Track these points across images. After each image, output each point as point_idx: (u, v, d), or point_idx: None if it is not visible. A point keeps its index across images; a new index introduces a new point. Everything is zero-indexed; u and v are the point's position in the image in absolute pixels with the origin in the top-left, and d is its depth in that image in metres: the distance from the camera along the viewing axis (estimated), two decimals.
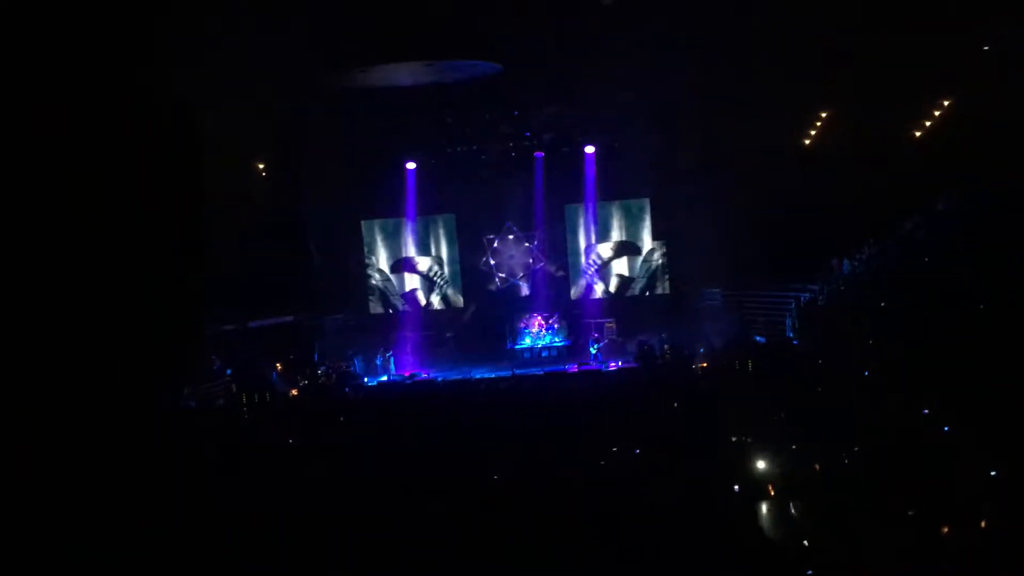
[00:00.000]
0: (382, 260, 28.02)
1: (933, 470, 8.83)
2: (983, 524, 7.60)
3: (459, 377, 22.97)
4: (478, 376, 22.55)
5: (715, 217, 22.37)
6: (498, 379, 21.55)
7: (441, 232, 27.89)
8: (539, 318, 26.23)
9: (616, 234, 27.30)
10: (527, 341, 26.10)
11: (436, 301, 28.06)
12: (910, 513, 7.86)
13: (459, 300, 27.98)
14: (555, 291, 27.39)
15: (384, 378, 24.16)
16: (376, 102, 21.89)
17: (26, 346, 2.03)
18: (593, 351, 24.16)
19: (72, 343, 2.09)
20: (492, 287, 27.81)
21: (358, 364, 24.57)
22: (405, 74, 20.34)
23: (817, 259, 23.28)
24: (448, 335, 26.87)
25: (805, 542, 8.02)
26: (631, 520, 7.81)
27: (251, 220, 23.53)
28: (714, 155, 23.28)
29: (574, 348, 25.44)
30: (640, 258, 27.21)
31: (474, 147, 26.32)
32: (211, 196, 2.52)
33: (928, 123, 23.80)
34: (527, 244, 27.54)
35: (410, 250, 27.88)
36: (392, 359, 25.16)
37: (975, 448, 9.32)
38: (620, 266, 27.35)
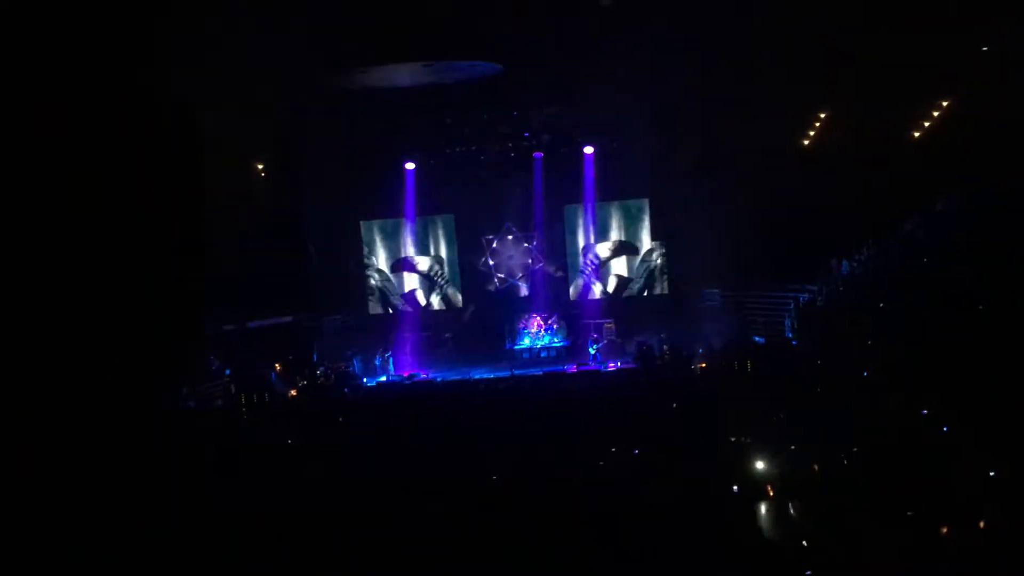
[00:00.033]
0: (381, 261, 28.05)
1: (932, 470, 8.84)
2: (982, 524, 7.60)
3: (458, 378, 22.96)
4: (477, 377, 22.55)
5: (714, 217, 22.35)
6: (497, 379, 21.54)
7: (440, 233, 27.89)
8: (538, 319, 26.22)
9: (615, 235, 27.30)
10: (526, 342, 26.08)
11: (436, 301, 28.07)
12: (909, 513, 7.86)
13: (458, 300, 28.00)
14: (554, 292, 27.39)
15: (383, 379, 24.15)
16: (375, 103, 21.91)
17: (25, 346, 2.02)
18: (592, 352, 24.15)
19: (72, 343, 2.09)
20: (491, 287, 27.81)
21: (357, 365, 24.57)
22: (405, 75, 20.35)
23: (817, 260, 23.29)
24: (447, 335, 26.87)
25: (804, 543, 8.02)
26: (630, 521, 7.80)
27: (251, 220, 23.52)
28: (713, 155, 23.26)
29: (573, 349, 25.43)
30: (638, 258, 27.22)
31: (473, 148, 26.34)
32: (211, 196, 2.52)
33: (928, 123, 23.80)
34: (526, 245, 27.54)
35: (409, 251, 27.89)
36: (391, 360, 25.16)
37: (974, 448, 9.32)
38: (618, 266, 27.36)
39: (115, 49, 2.16)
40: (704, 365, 20.62)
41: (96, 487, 2.17)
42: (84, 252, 2.06)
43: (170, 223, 2.25)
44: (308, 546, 7.46)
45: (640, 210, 27.19)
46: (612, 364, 23.24)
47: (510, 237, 27.54)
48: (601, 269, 27.36)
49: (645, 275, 27.17)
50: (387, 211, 27.65)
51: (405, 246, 27.90)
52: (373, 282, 28.09)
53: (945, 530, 7.55)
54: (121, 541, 2.29)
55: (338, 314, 27.13)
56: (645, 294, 27.20)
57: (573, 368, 23.07)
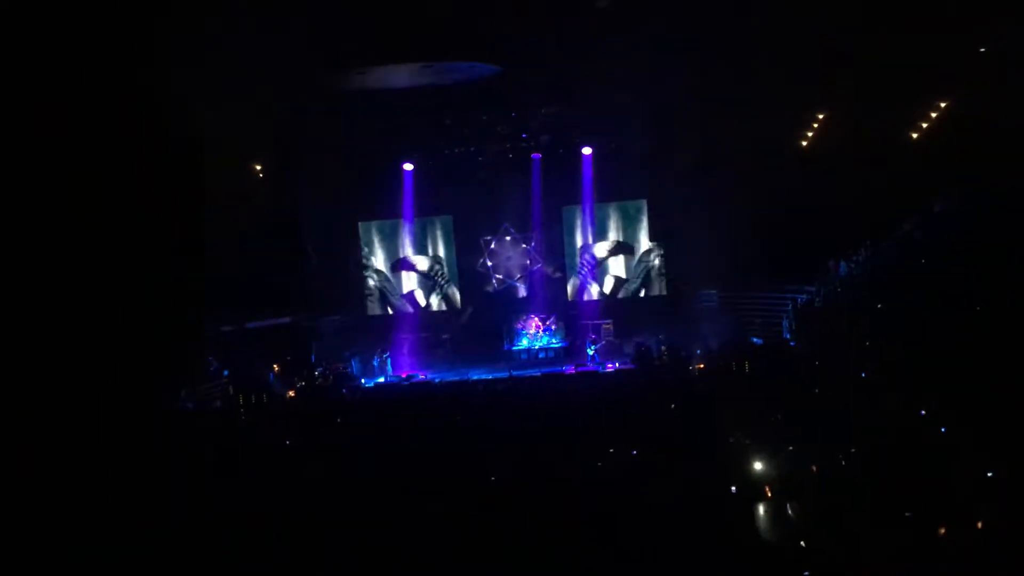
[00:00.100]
0: (380, 261, 28.06)
1: (930, 471, 8.85)
2: (980, 525, 7.61)
3: (456, 379, 22.97)
4: (475, 377, 22.54)
5: (712, 218, 22.35)
6: (495, 380, 21.55)
7: (438, 233, 27.91)
8: (536, 319, 26.21)
9: (613, 235, 27.31)
10: (524, 342, 26.08)
11: (435, 302, 28.08)
12: (907, 514, 7.87)
13: (457, 301, 28.01)
14: (552, 292, 27.41)
15: (381, 379, 24.15)
16: (375, 103, 21.88)
17: (26, 346, 2.02)
18: (590, 352, 24.14)
19: (72, 343, 2.09)
20: (489, 288, 27.83)
21: (355, 365, 24.58)
22: (404, 76, 20.34)
23: (815, 260, 23.30)
24: (445, 336, 26.87)
25: (802, 543, 8.03)
26: (628, 521, 7.81)
27: (250, 220, 23.49)
28: (711, 156, 23.23)
29: (571, 349, 25.43)
30: (635, 259, 27.23)
31: (472, 148, 26.32)
32: (210, 196, 2.52)
33: (927, 124, 23.81)
34: (524, 245, 27.56)
35: (407, 251, 27.91)
36: (389, 360, 25.16)
37: (972, 449, 9.33)
38: (615, 267, 27.37)
39: (115, 49, 2.16)
40: (702, 366, 20.61)
41: (96, 487, 2.17)
42: (84, 252, 2.06)
43: (170, 223, 2.25)
44: (307, 546, 7.46)
45: (638, 211, 27.21)
46: (610, 365, 23.24)
47: (508, 238, 27.55)
48: (598, 269, 27.37)
49: (642, 275, 27.18)
50: (385, 212, 27.65)
51: (403, 247, 27.91)
52: (372, 283, 28.10)
53: (943, 530, 7.56)
54: (121, 541, 2.29)
55: (336, 315, 27.12)
56: (642, 294, 27.21)
57: (571, 369, 23.09)
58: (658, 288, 27.15)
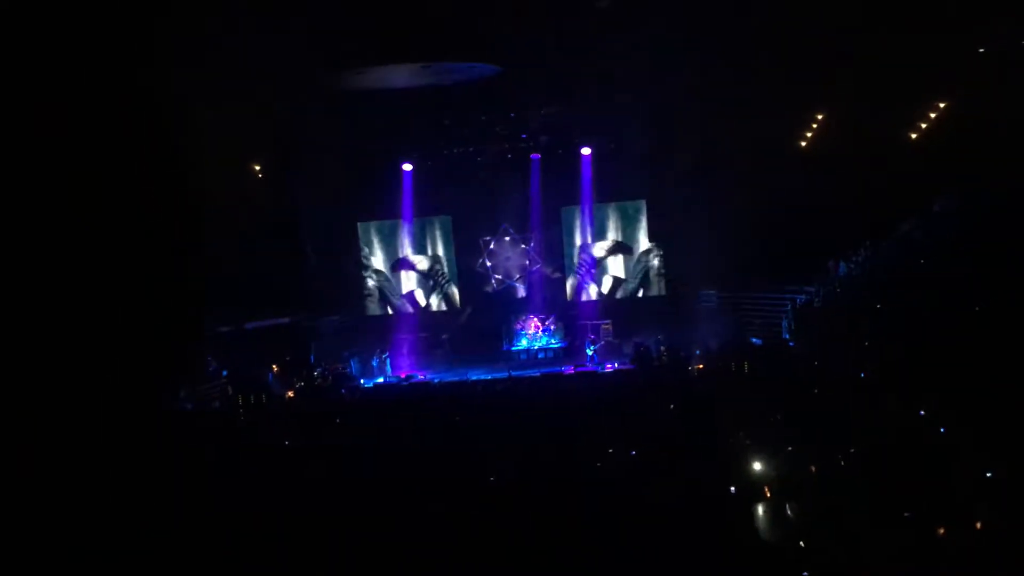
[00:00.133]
0: (379, 261, 28.05)
1: (930, 471, 8.85)
2: (980, 525, 7.61)
3: (455, 379, 22.97)
4: (474, 378, 22.54)
5: (712, 218, 22.31)
6: (494, 381, 21.55)
7: (438, 234, 27.91)
8: (535, 320, 26.21)
9: (612, 235, 27.31)
10: (523, 343, 26.08)
11: (435, 302, 28.09)
12: (906, 514, 7.87)
13: (456, 301, 28.01)
14: (551, 293, 27.42)
15: (380, 380, 24.16)
16: (374, 104, 21.88)
17: (26, 346, 2.02)
18: (589, 353, 24.15)
19: (72, 343, 2.09)
20: (488, 289, 27.84)
21: (354, 366, 24.59)
22: (403, 76, 20.33)
23: (814, 260, 23.28)
24: (444, 337, 26.87)
25: (801, 543, 8.03)
26: (628, 521, 7.81)
27: (249, 220, 23.46)
28: (711, 156, 23.20)
29: (570, 350, 25.44)
30: (633, 259, 27.22)
31: (471, 149, 26.32)
32: (210, 196, 2.51)
33: (926, 124, 23.80)
34: (523, 246, 27.56)
35: (407, 252, 27.91)
36: (388, 361, 25.17)
37: (972, 449, 9.33)
38: (614, 267, 27.37)
39: (115, 49, 2.15)
40: (701, 366, 20.61)
41: (96, 487, 2.17)
42: (84, 252, 2.05)
43: (170, 223, 2.25)
44: (307, 547, 7.45)
45: (637, 211, 27.20)
46: (609, 365, 23.25)
47: (507, 238, 27.55)
48: (596, 269, 27.37)
49: (640, 276, 27.17)
50: (385, 212, 27.65)
51: (403, 247, 27.92)
52: (372, 283, 28.11)
53: (943, 531, 7.56)
54: (120, 541, 2.29)
55: (336, 315, 27.11)
56: (640, 295, 27.21)
57: (570, 369, 23.10)
58: (656, 288, 27.14)
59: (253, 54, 15.91)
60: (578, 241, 27.42)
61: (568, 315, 26.63)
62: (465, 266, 27.82)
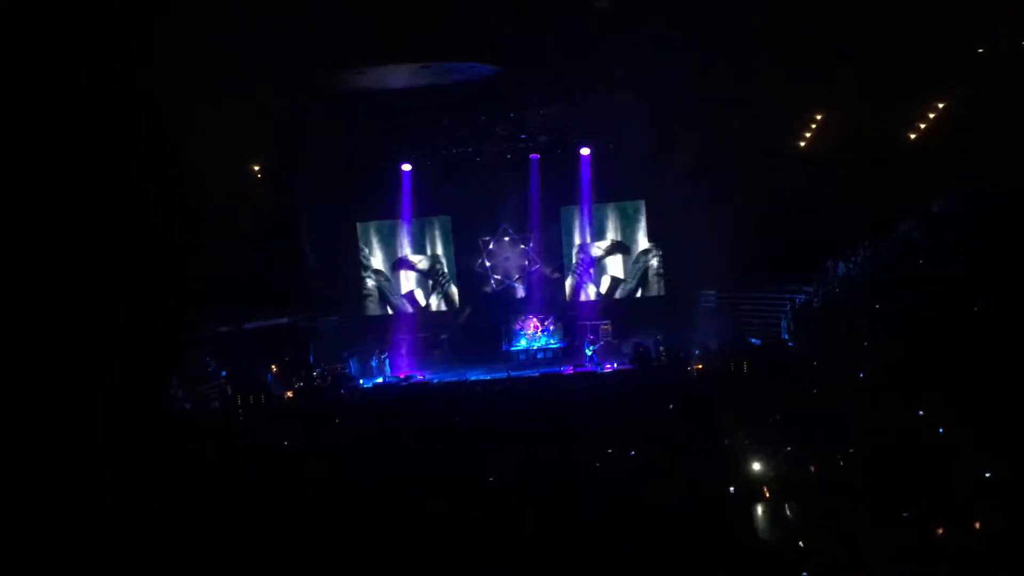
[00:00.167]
0: (379, 261, 28.06)
1: (929, 471, 8.85)
2: (979, 525, 7.61)
3: (455, 379, 22.97)
4: (474, 378, 22.54)
5: (711, 218, 22.31)
6: (494, 381, 21.54)
7: (437, 234, 27.92)
8: (534, 320, 26.22)
9: (611, 236, 27.32)
10: (522, 343, 26.08)
11: (435, 302, 28.09)
12: (906, 514, 7.87)
13: (456, 301, 28.02)
14: (550, 293, 27.42)
15: (379, 380, 24.15)
16: (374, 104, 21.89)
17: (24, 347, 2.02)
18: (589, 353, 24.15)
19: (71, 343, 2.09)
20: (487, 289, 27.85)
21: (353, 366, 24.59)
22: (403, 76, 20.34)
23: (813, 261, 23.29)
24: (443, 337, 26.87)
25: (801, 543, 8.03)
26: (627, 521, 7.81)
27: (249, 220, 23.47)
28: (711, 156, 23.20)
29: (570, 350, 25.44)
30: (632, 259, 27.23)
31: (470, 149, 26.34)
32: (210, 196, 2.52)
33: (926, 124, 23.81)
34: (523, 246, 27.57)
35: (406, 252, 27.91)
36: (387, 361, 25.17)
37: (972, 449, 9.34)
38: (613, 266, 27.37)
39: (115, 49, 2.16)
40: (700, 366, 20.62)
41: (95, 487, 2.17)
42: (83, 252, 2.06)
43: (170, 223, 2.25)
44: (305, 547, 7.46)
45: (637, 211, 27.22)
46: (609, 365, 23.26)
47: (506, 239, 27.56)
48: (595, 269, 27.37)
49: (639, 276, 27.18)
50: (384, 212, 27.65)
51: (402, 247, 27.93)
52: (371, 283, 28.11)
53: (942, 531, 7.56)
54: (119, 541, 2.29)
55: (335, 315, 27.11)
56: (639, 294, 27.21)
57: (570, 369, 23.10)
58: (655, 288, 27.15)
59: (253, 54, 15.91)
60: (577, 241, 27.43)
61: (567, 315, 26.63)
62: (464, 266, 27.83)
